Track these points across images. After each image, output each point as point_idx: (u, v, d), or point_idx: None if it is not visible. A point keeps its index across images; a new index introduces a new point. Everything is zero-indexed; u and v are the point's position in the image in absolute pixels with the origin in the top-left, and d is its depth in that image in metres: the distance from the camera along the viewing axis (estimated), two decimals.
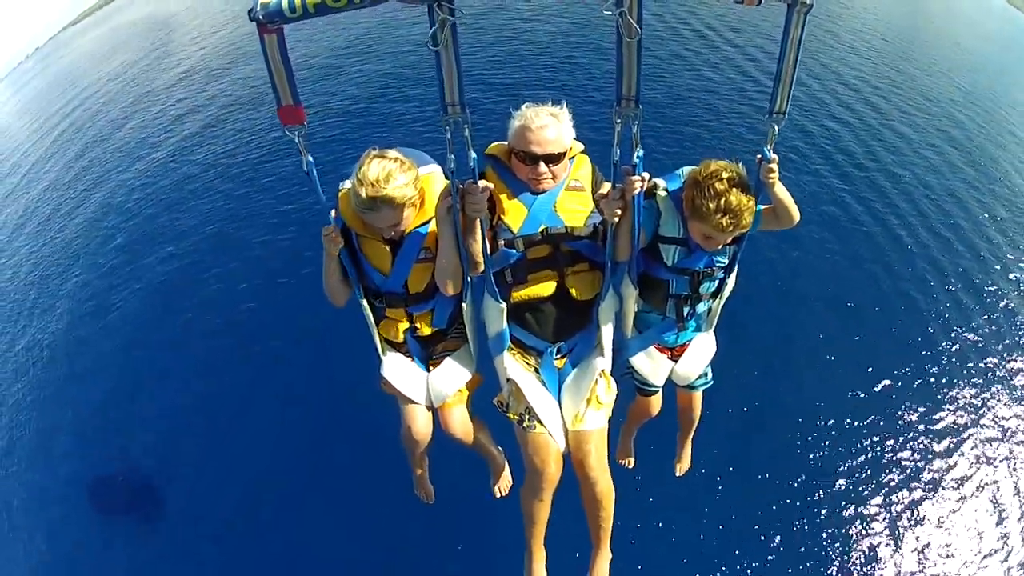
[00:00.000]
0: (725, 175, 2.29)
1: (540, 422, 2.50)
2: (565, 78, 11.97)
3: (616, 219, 2.32)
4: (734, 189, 2.27)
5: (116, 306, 8.50)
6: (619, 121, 2.12)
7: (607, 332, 2.61)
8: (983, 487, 5.90)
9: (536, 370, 2.61)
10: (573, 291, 2.49)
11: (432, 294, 2.53)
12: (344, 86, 13.13)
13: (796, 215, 2.43)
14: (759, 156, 2.27)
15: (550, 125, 2.30)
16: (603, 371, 2.58)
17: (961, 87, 13.53)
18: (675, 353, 2.90)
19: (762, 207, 2.44)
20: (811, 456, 6.06)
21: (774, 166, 2.25)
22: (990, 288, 7.95)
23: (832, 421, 6.31)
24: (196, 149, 12.12)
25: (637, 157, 2.21)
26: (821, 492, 5.81)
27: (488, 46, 13.36)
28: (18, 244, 11.32)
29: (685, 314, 2.71)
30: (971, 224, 9.03)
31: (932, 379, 6.76)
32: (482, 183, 2.23)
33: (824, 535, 5.53)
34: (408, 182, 2.24)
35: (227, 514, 6.00)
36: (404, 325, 2.62)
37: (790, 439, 6.16)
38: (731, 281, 2.67)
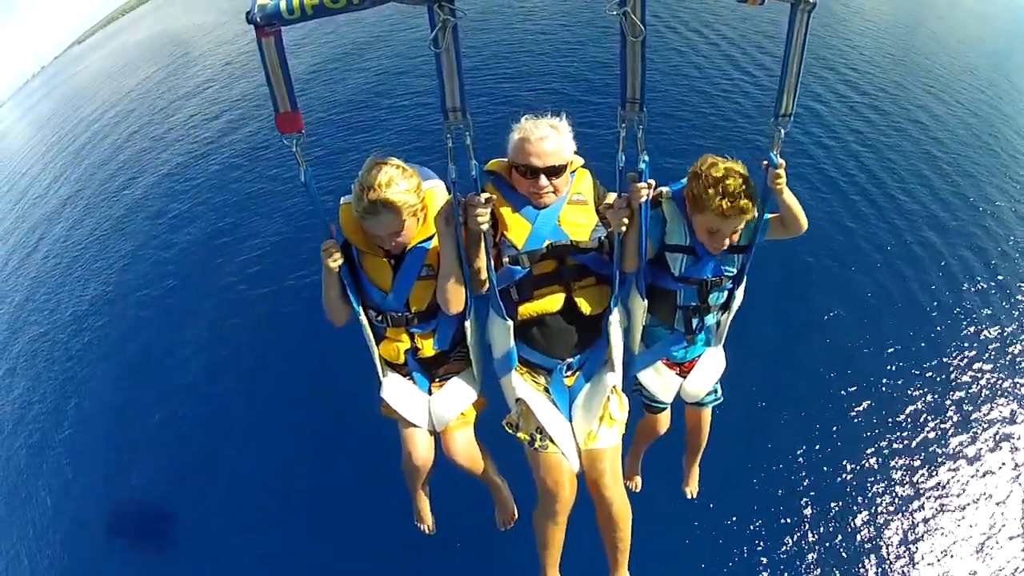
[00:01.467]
0: (722, 164, 2.32)
1: (552, 441, 2.40)
2: (571, 72, 12.28)
3: (623, 228, 2.27)
4: (732, 174, 2.28)
5: (170, 274, 9.11)
6: (623, 126, 2.07)
7: (617, 347, 2.53)
8: (987, 497, 5.81)
9: (546, 389, 2.52)
10: (581, 306, 2.42)
11: (435, 313, 2.46)
12: (343, 92, 13.39)
13: (804, 223, 2.42)
14: (765, 162, 2.25)
15: (550, 137, 2.27)
16: (615, 387, 2.50)
17: (942, 65, 14.08)
18: (684, 369, 2.85)
19: (769, 216, 2.43)
20: (820, 462, 6.02)
21: (782, 172, 2.24)
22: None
23: (839, 417, 6.33)
24: (236, 143, 12.64)
25: (643, 163, 2.17)
26: (836, 498, 5.78)
27: (489, 45, 13.70)
28: (66, 230, 12.10)
29: (694, 326, 2.65)
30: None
31: (937, 373, 6.80)
32: (484, 195, 2.18)
33: (837, 546, 5.46)
34: (410, 188, 2.22)
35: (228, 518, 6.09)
36: (405, 345, 2.54)
37: (799, 443, 6.14)
38: (739, 293, 2.63)
